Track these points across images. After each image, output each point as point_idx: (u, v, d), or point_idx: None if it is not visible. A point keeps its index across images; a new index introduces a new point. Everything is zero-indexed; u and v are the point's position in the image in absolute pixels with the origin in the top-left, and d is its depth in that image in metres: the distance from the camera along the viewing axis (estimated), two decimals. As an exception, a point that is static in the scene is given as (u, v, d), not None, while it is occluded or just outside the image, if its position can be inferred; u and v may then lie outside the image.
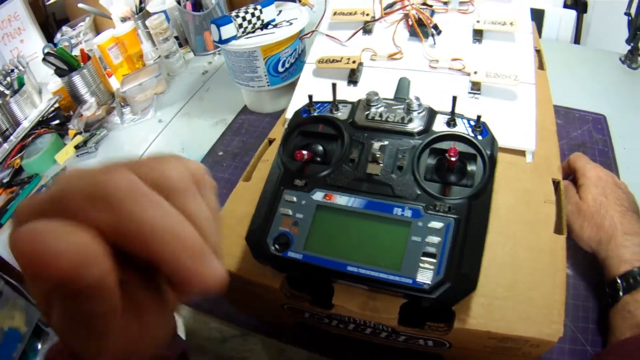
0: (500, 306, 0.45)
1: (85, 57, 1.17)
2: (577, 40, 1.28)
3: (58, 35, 1.46)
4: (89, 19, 1.51)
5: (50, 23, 1.59)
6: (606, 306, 0.58)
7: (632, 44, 1.03)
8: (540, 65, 0.76)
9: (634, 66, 1.05)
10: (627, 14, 0.99)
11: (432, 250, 0.42)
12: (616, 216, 0.60)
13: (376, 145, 0.48)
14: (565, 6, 1.24)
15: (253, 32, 0.88)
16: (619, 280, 0.55)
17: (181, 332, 0.66)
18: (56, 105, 1.16)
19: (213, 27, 0.83)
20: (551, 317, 0.44)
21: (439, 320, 0.46)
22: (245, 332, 0.64)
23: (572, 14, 1.22)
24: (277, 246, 0.45)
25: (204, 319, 0.67)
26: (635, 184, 0.70)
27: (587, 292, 0.63)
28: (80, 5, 1.39)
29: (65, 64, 1.13)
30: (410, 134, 0.49)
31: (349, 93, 0.63)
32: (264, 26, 0.89)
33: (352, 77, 0.65)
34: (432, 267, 0.42)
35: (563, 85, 0.98)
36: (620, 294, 0.55)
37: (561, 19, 1.21)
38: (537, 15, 1.20)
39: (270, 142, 0.66)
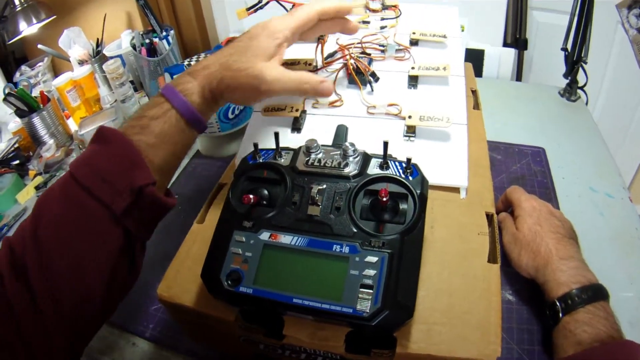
0: (439, 331, 0.53)
1: (45, 98, 1.25)
2: (518, 77, 1.41)
3: (17, 75, 1.53)
4: (47, 60, 1.59)
5: (9, 61, 1.66)
6: (549, 327, 0.64)
7: (569, 78, 1.17)
8: (476, 105, 0.86)
9: (572, 98, 1.19)
10: (564, 49, 1.12)
11: (369, 282, 0.50)
12: (551, 243, 0.67)
13: (315, 188, 0.56)
14: (505, 45, 1.38)
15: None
16: (557, 303, 0.62)
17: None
18: (16, 145, 1.22)
19: (167, 75, 0.92)
20: (488, 338, 0.52)
21: (383, 347, 0.52)
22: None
23: (512, 52, 1.36)
24: (229, 282, 0.52)
25: (165, 354, 0.72)
26: (574, 212, 0.80)
27: (530, 316, 0.70)
28: (40, 46, 1.47)
29: (26, 105, 1.19)
30: (346, 178, 0.57)
31: (293, 140, 0.72)
32: (215, 74, 0.98)
33: (296, 125, 0.74)
34: (369, 297, 0.49)
35: (503, 121, 1.10)
36: (560, 315, 0.61)
37: (501, 58, 1.34)
38: (477, 55, 1.33)
39: (221, 186, 0.73)
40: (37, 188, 1.11)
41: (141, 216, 0.52)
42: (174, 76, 0.59)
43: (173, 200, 0.56)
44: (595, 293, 0.61)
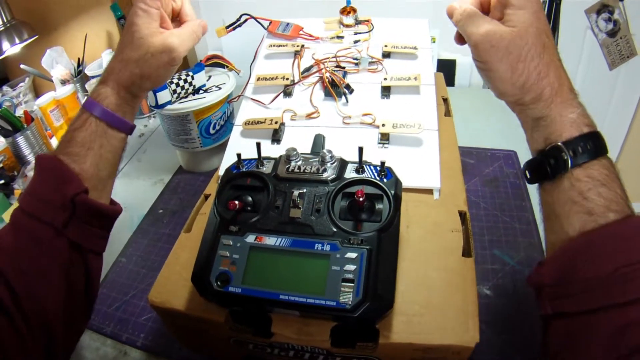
0: (418, 321, 0.57)
1: (29, 118, 1.26)
2: (490, 84, 1.47)
3: None
4: (29, 80, 1.61)
5: (-10, 82, 1.66)
6: (538, 182, 0.53)
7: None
8: (447, 112, 0.92)
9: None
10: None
11: (350, 276, 0.54)
12: (560, 68, 0.51)
13: (296, 193, 0.60)
14: (476, 54, 1.44)
15: (186, 97, 1.01)
16: (565, 148, 0.48)
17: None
18: (0, 165, 1.24)
19: (150, 93, 0.95)
20: (466, 325, 0.56)
21: (366, 340, 0.57)
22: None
23: (483, 61, 1.42)
24: (218, 283, 0.56)
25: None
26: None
27: (509, 309, 0.75)
28: (22, 66, 1.50)
29: (10, 125, 1.21)
30: (324, 182, 0.62)
31: (273, 150, 0.76)
32: (196, 91, 1.03)
33: (275, 136, 0.78)
34: (351, 290, 0.53)
35: (476, 127, 1.15)
36: (570, 164, 0.47)
37: (472, 67, 1.40)
38: (449, 65, 1.39)
39: (206, 197, 0.78)
40: (22, 207, 1.13)
41: (83, 226, 0.57)
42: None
43: (115, 207, 0.62)
44: (604, 145, 0.49)
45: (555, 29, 1.11)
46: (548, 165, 0.49)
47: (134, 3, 0.62)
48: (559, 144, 0.48)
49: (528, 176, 0.54)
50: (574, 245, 0.46)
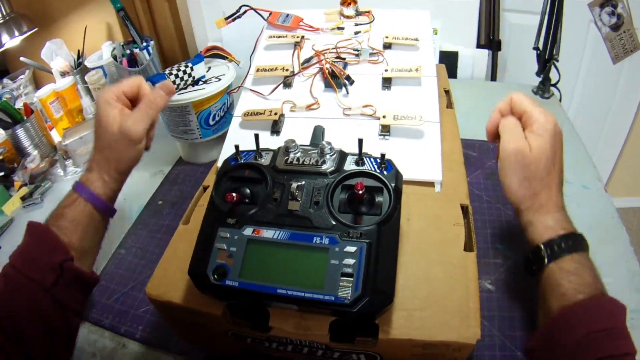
0: (419, 316, 0.56)
1: (29, 110, 1.26)
2: (493, 77, 1.45)
3: None
4: (29, 72, 1.59)
5: (-10, 75, 1.65)
6: (531, 275, 0.61)
7: (542, 76, 1.21)
8: (449, 104, 0.90)
9: (546, 96, 1.24)
10: (536, 48, 1.17)
11: (349, 270, 0.53)
12: (554, 189, 0.61)
13: (294, 185, 0.59)
14: (479, 46, 1.42)
15: (185, 88, 1.00)
16: (542, 247, 0.58)
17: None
18: (0, 157, 1.23)
19: (149, 84, 0.94)
20: (468, 322, 0.55)
21: (366, 335, 0.55)
22: (196, 364, 0.72)
23: (485, 53, 1.40)
24: (216, 276, 0.55)
25: (155, 354, 0.74)
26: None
27: (510, 304, 0.73)
28: (22, 59, 1.49)
29: (9, 117, 1.21)
30: (323, 174, 0.60)
31: (272, 142, 0.75)
32: (195, 82, 1.01)
33: (275, 128, 0.77)
34: (350, 284, 0.52)
35: (478, 120, 1.12)
36: (546, 261, 0.58)
37: (475, 59, 1.39)
38: (451, 57, 1.38)
39: (205, 188, 0.76)
40: (22, 199, 1.13)
41: (68, 288, 0.63)
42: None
43: (95, 276, 0.69)
44: (580, 242, 0.59)
45: (558, 22, 1.09)
46: (533, 262, 0.60)
47: (98, 98, 0.72)
48: (540, 245, 0.59)
49: (526, 270, 0.63)
50: (553, 318, 0.56)
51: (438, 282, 0.59)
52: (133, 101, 0.74)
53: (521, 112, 0.63)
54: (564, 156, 0.64)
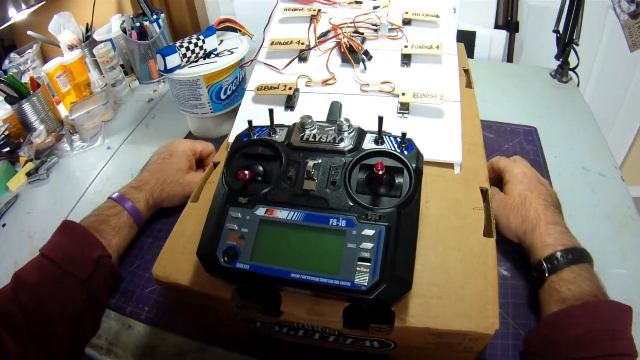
0: (436, 304, 0.53)
1: (35, 84, 1.23)
2: (510, 58, 1.42)
3: (6, 62, 1.51)
4: (37, 46, 1.56)
5: (-2, 49, 1.63)
6: (535, 289, 0.67)
7: (561, 59, 1.17)
8: (468, 84, 0.86)
9: (564, 80, 1.19)
10: (556, 31, 1.13)
11: (366, 255, 0.50)
12: (540, 208, 0.70)
13: (310, 163, 0.56)
14: (496, 27, 1.39)
15: (196, 61, 0.96)
16: (543, 263, 0.64)
17: (139, 348, 0.71)
18: (6, 132, 1.20)
19: (159, 57, 0.91)
20: (486, 312, 0.52)
21: (381, 322, 0.53)
22: (203, 346, 0.70)
23: (503, 34, 1.36)
24: (226, 258, 0.52)
25: (161, 335, 0.72)
26: (566, 190, 0.81)
27: (525, 291, 0.71)
28: (29, 32, 1.45)
29: (15, 91, 1.18)
30: (341, 152, 0.57)
31: (286, 118, 0.72)
32: (207, 55, 0.98)
33: (289, 103, 0.74)
34: (367, 270, 0.49)
35: (495, 101, 1.10)
36: (547, 274, 0.64)
37: (492, 39, 1.35)
38: (469, 37, 1.33)
39: (215, 165, 0.73)
40: (28, 174, 1.10)
41: (101, 282, 0.73)
42: (122, 190, 0.84)
43: (121, 273, 0.80)
44: (580, 255, 0.64)
45: (580, 5, 1.05)
46: (536, 277, 0.66)
47: (178, 144, 0.91)
48: (541, 260, 0.65)
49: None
50: (553, 316, 0.60)
51: (456, 269, 0.56)
52: (197, 161, 0.93)
53: (500, 170, 0.78)
54: (550, 181, 0.81)
